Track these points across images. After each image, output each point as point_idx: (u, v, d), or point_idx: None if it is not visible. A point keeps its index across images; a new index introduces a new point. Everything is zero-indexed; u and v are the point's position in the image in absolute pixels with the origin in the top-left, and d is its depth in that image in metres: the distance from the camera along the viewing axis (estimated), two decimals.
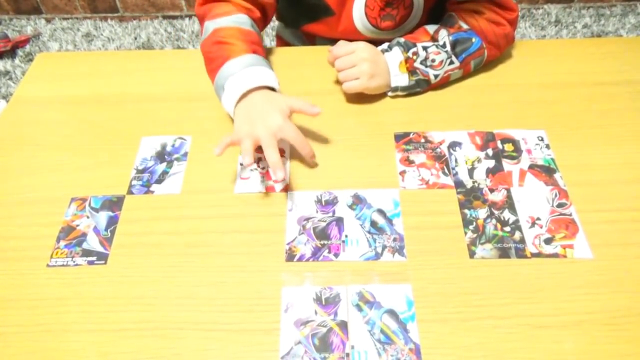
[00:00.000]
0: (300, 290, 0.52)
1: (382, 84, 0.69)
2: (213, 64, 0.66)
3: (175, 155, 0.66)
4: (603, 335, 0.49)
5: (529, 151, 0.64)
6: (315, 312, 0.51)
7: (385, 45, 0.71)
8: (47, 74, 0.79)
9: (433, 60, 0.70)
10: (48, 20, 1.92)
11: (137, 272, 0.55)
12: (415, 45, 0.70)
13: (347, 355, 0.48)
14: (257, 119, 0.60)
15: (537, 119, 0.69)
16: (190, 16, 1.91)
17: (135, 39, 1.83)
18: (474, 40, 0.71)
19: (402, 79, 0.70)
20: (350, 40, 0.70)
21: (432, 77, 0.70)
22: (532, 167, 0.63)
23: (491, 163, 0.63)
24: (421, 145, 0.66)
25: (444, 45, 0.70)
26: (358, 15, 0.75)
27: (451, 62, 0.71)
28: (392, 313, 0.50)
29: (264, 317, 0.51)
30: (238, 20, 0.69)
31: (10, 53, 1.77)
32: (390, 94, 0.72)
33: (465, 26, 0.71)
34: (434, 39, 0.71)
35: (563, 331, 0.49)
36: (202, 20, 0.72)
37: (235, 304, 0.52)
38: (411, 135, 0.67)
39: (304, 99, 0.63)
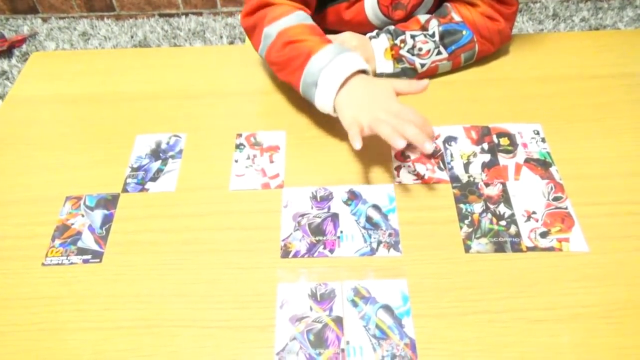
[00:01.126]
0: (295, 287, 0.52)
1: (372, 70, 0.70)
2: (292, 64, 0.63)
3: (170, 153, 0.66)
4: (599, 328, 0.49)
5: (524, 145, 0.64)
6: (311, 308, 0.51)
7: (374, 32, 0.71)
8: (42, 73, 0.79)
9: (420, 49, 0.70)
10: (44, 20, 1.92)
11: (132, 270, 0.55)
12: (403, 33, 0.70)
13: (342, 350, 0.48)
14: (371, 104, 0.58)
15: (533, 112, 0.68)
16: (186, 14, 1.91)
17: (132, 37, 1.83)
18: (464, 32, 0.71)
19: (386, 66, 0.70)
20: (357, 32, 0.70)
21: (418, 66, 0.70)
22: (527, 161, 0.63)
23: (487, 157, 0.63)
24: None
25: (432, 35, 0.70)
26: (370, 3, 0.74)
27: (439, 53, 0.70)
28: (387, 308, 0.50)
29: (259, 313, 0.51)
30: (298, 17, 0.66)
31: (7, 53, 1.77)
32: None
33: (457, 18, 0.71)
34: (423, 28, 0.71)
35: (559, 325, 0.49)
36: (253, 30, 0.69)
37: (231, 300, 0.52)
38: None
39: (405, 79, 0.61)
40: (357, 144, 0.56)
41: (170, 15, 1.92)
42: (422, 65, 0.71)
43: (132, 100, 0.73)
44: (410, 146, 0.64)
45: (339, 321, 0.50)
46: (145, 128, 0.69)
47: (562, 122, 0.67)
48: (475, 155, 0.63)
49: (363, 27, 0.73)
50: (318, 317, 0.50)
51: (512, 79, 0.74)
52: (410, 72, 0.71)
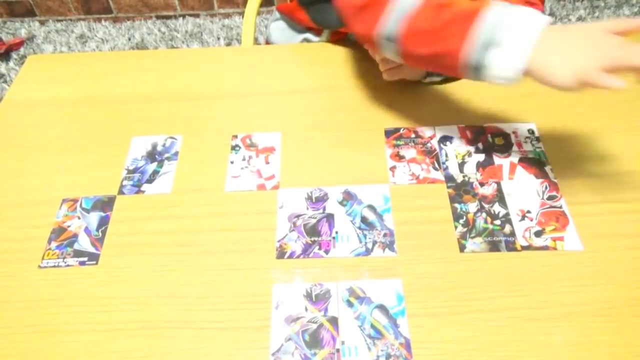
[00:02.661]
0: (290, 287, 0.52)
1: None
2: (452, 28, 0.53)
3: (166, 155, 0.66)
4: (593, 326, 0.49)
5: (519, 144, 0.64)
6: (306, 309, 0.51)
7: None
8: (38, 75, 0.79)
9: None
10: (42, 23, 1.92)
11: (128, 272, 0.55)
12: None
13: (338, 350, 0.48)
14: (593, 48, 0.48)
15: (528, 112, 0.69)
16: (183, 16, 1.91)
17: (129, 39, 1.83)
18: None
19: None
20: None
21: None
22: (522, 160, 0.63)
23: (481, 157, 0.63)
24: (411, 140, 0.66)
25: None
26: None
27: None
28: (382, 308, 0.50)
29: (254, 314, 0.51)
30: None
31: (5, 56, 1.77)
32: None
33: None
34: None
35: (553, 323, 0.49)
36: (365, 9, 0.59)
37: (226, 302, 0.52)
38: (401, 131, 0.67)
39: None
40: (618, 82, 0.45)
41: (167, 17, 1.92)
42: None
43: (128, 102, 0.73)
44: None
45: (334, 321, 0.50)
46: (141, 130, 0.69)
47: (557, 122, 0.67)
48: (470, 154, 0.64)
49: None
50: (313, 317, 0.50)
51: None
52: None
